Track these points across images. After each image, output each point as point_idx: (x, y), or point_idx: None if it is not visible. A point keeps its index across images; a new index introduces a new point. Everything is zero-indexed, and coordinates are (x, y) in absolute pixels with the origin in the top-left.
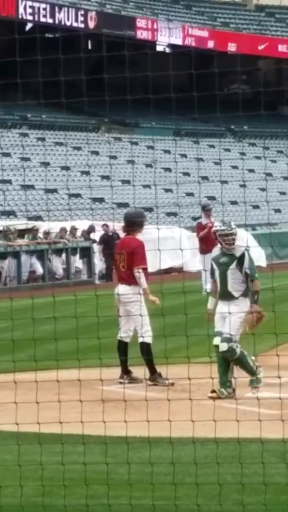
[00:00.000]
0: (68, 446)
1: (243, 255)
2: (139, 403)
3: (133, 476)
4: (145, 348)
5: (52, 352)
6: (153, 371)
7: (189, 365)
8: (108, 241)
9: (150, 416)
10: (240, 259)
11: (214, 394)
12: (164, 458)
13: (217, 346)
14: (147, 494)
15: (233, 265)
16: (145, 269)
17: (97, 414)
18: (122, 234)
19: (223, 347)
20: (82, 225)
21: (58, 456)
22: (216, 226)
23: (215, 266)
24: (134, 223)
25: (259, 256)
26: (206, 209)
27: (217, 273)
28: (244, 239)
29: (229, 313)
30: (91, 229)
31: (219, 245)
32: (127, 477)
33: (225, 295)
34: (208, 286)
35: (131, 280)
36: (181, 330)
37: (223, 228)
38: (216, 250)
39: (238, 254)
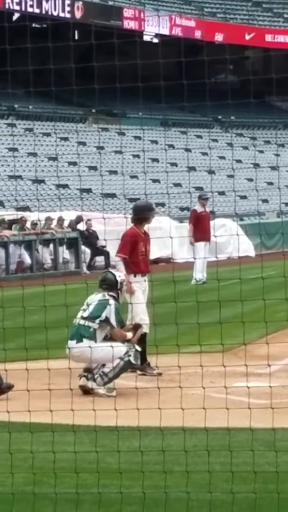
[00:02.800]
0: (57, 435)
1: None
2: (127, 393)
3: (123, 465)
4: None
5: (42, 342)
6: (143, 360)
7: (179, 355)
8: (88, 237)
9: (139, 405)
10: None
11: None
12: (153, 447)
13: None
14: (136, 483)
15: None
16: (124, 258)
17: (87, 403)
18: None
19: None
20: (69, 215)
21: (47, 445)
22: (121, 276)
23: None
24: (135, 216)
25: (247, 246)
26: (203, 198)
27: None
28: (233, 230)
29: None
30: (79, 219)
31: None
32: (117, 466)
33: None
34: (199, 276)
35: (120, 269)
36: (170, 319)
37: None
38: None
39: None
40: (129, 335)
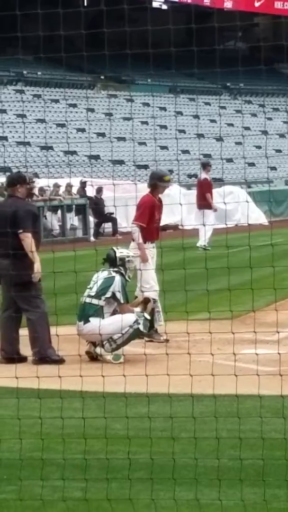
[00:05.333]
0: (65, 402)
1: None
2: (135, 359)
3: (130, 432)
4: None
5: (51, 308)
6: (150, 327)
7: (187, 321)
8: (97, 203)
9: (147, 372)
10: None
11: None
12: (160, 414)
13: None
14: (144, 449)
15: None
16: (142, 226)
17: (95, 370)
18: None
19: None
20: (77, 182)
21: (55, 411)
22: (123, 253)
23: None
24: (150, 183)
25: (258, 215)
26: (210, 165)
27: None
28: (241, 197)
29: None
30: (83, 184)
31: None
32: (124, 432)
33: None
34: (203, 242)
35: (132, 236)
36: (179, 286)
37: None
38: None
39: None
40: (137, 310)
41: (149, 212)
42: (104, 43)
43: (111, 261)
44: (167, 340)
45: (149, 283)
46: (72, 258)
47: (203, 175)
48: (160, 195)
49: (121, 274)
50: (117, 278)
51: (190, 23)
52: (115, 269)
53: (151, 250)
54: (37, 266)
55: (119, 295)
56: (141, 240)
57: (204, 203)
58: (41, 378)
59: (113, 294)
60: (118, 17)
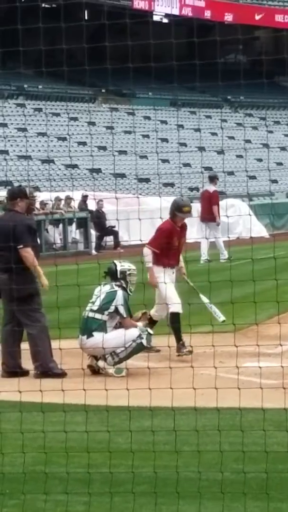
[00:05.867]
0: (67, 415)
1: None
2: (137, 373)
3: (133, 446)
4: (171, 318)
5: (53, 322)
6: (178, 339)
7: (191, 334)
8: (98, 218)
9: (148, 385)
10: None
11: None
12: (162, 427)
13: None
14: (146, 463)
15: None
16: (154, 251)
17: (97, 383)
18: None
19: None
20: (78, 196)
21: (57, 425)
22: (124, 266)
23: None
24: (170, 210)
25: (259, 228)
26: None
27: None
28: (242, 210)
29: None
30: (85, 198)
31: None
32: (127, 446)
33: None
34: (205, 256)
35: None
36: (181, 299)
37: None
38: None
39: None
40: (140, 324)
41: (165, 238)
42: (105, 57)
43: (112, 274)
44: (190, 352)
45: (171, 300)
46: (73, 271)
47: (212, 188)
48: (175, 220)
49: (123, 288)
50: (120, 292)
51: (191, 37)
52: (117, 283)
53: (170, 276)
54: (43, 279)
55: (121, 309)
56: (150, 265)
57: (209, 216)
58: (43, 392)
59: (116, 309)
60: (118, 30)
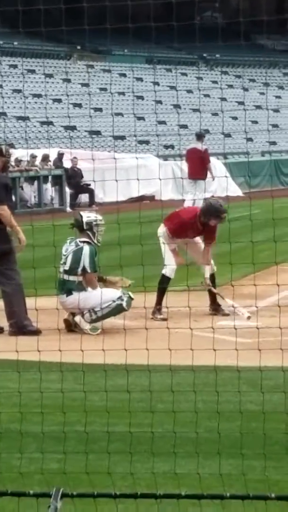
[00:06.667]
0: (42, 373)
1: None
2: (111, 331)
3: (106, 403)
4: (160, 278)
5: (28, 280)
6: (158, 302)
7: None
8: (72, 176)
9: (123, 343)
10: None
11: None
12: (136, 385)
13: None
14: (121, 421)
15: None
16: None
17: (72, 341)
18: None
19: None
20: (54, 153)
21: (33, 383)
22: (90, 217)
23: None
24: (205, 215)
25: (234, 188)
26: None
27: None
28: (217, 168)
29: None
30: (61, 156)
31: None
32: (101, 403)
33: None
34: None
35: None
36: (157, 258)
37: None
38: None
39: None
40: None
41: (181, 226)
42: (81, 15)
43: (79, 226)
44: (165, 319)
45: (167, 262)
46: (48, 229)
47: (202, 145)
48: (203, 218)
49: (89, 243)
50: (85, 248)
51: None
52: (83, 238)
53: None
54: (21, 237)
55: (86, 264)
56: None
57: (200, 173)
58: (19, 351)
59: (84, 267)
60: None
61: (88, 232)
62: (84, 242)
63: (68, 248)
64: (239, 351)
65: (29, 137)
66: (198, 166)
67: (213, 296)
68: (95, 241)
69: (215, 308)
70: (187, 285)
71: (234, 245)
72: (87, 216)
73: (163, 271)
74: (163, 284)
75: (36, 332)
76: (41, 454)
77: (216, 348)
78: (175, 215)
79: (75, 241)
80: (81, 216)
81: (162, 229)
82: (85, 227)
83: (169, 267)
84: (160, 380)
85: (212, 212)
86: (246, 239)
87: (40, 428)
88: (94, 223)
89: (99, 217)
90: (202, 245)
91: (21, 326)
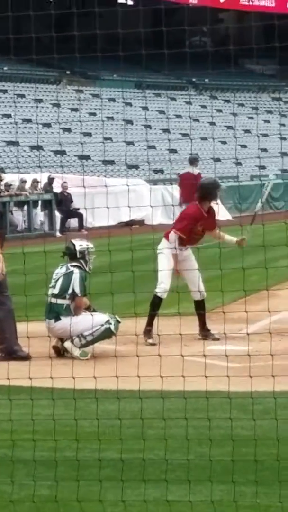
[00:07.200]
0: (33, 400)
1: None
2: (102, 355)
3: (98, 429)
4: (153, 298)
5: (20, 304)
6: (148, 323)
7: (158, 318)
8: (63, 200)
9: (114, 369)
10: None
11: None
12: (126, 411)
13: None
14: (112, 447)
15: None
16: (178, 235)
17: (62, 366)
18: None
19: None
20: (44, 178)
21: (22, 408)
22: (82, 245)
23: None
24: (201, 195)
25: (223, 212)
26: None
27: None
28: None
29: None
30: (51, 180)
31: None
32: (92, 429)
33: None
34: None
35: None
36: (149, 281)
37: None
38: None
39: None
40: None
41: (192, 223)
42: (71, 39)
43: (71, 254)
44: (153, 344)
45: (162, 281)
46: (38, 253)
47: (195, 170)
48: (203, 205)
49: (80, 268)
50: (76, 272)
51: (156, 19)
52: (73, 263)
53: (183, 252)
54: (0, 267)
55: (76, 289)
56: (177, 248)
57: (193, 197)
58: (10, 376)
59: (73, 291)
60: (84, 13)
61: (81, 260)
62: (75, 266)
63: (58, 272)
64: (230, 375)
65: (19, 162)
66: (191, 190)
67: (202, 322)
68: (87, 269)
69: (205, 334)
70: (178, 311)
71: (219, 271)
72: (79, 244)
73: (156, 290)
74: (155, 306)
75: (27, 358)
76: (32, 481)
77: (207, 375)
78: (181, 217)
79: (66, 265)
80: (74, 245)
81: (164, 244)
82: (78, 255)
83: (163, 286)
84: (151, 405)
85: (211, 189)
86: (236, 264)
87: (31, 454)
88: (87, 251)
89: (90, 244)
90: (197, 273)
91: (11, 352)
